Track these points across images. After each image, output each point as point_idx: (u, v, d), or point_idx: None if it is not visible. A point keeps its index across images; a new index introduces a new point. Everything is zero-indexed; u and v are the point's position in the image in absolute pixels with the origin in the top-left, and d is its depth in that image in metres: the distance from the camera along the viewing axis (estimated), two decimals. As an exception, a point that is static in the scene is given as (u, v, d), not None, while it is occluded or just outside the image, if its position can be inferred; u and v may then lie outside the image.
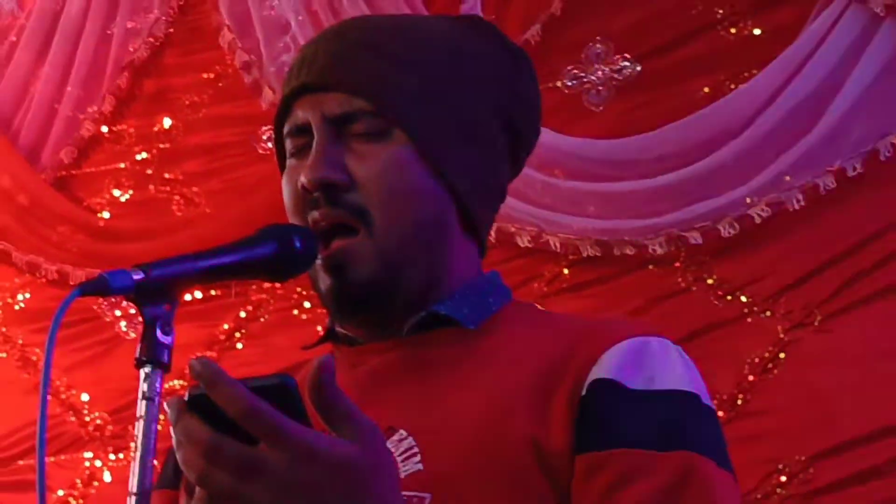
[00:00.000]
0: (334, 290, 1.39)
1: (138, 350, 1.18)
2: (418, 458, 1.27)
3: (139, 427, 1.14)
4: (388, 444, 1.28)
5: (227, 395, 1.03)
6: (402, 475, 1.26)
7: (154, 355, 1.18)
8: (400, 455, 1.28)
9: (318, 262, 1.39)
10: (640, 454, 1.26)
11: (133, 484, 1.13)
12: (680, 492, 1.24)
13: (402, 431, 1.31)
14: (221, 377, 1.04)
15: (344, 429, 1.06)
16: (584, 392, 1.30)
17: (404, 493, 1.21)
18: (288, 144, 1.45)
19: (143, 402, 1.15)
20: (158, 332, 1.19)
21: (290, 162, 1.45)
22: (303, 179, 1.38)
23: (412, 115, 1.40)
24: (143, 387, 1.17)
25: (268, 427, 1.03)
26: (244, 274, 1.35)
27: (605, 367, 1.31)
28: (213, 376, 1.04)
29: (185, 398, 1.06)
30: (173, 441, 1.06)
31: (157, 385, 1.17)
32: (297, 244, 1.34)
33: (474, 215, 1.46)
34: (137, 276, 1.19)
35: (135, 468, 1.13)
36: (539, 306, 1.56)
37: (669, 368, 1.34)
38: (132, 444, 1.09)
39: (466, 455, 1.26)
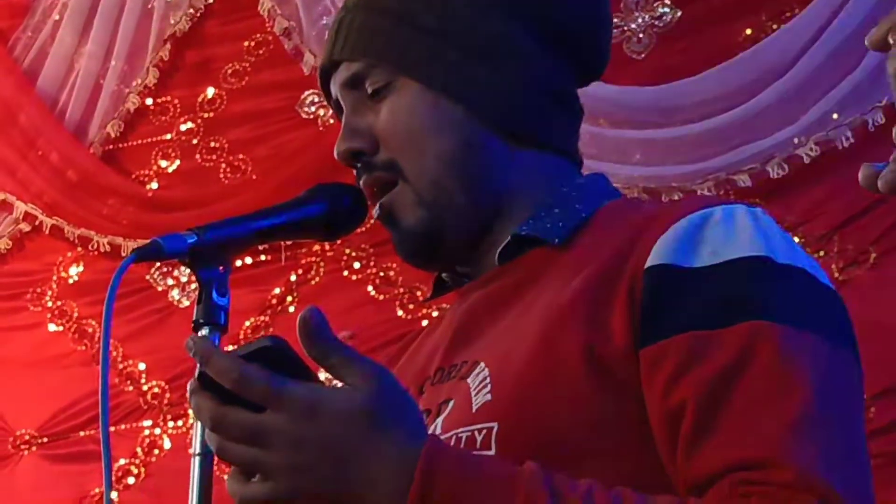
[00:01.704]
0: (396, 242, 1.41)
1: (195, 312, 1.19)
2: (489, 388, 1.25)
3: (198, 388, 1.15)
4: (469, 379, 1.28)
5: (218, 368, 1.05)
6: (475, 408, 1.24)
7: (211, 317, 1.19)
8: (476, 388, 1.26)
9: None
10: (697, 336, 1.16)
11: (196, 445, 1.14)
12: (743, 370, 1.13)
13: (482, 364, 1.29)
14: (213, 351, 1.06)
15: (347, 376, 1.07)
16: (642, 286, 1.20)
17: (478, 425, 1.22)
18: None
19: (203, 364, 1.16)
20: (214, 294, 1.20)
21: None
22: (335, 155, 1.42)
23: (407, 57, 1.40)
24: (201, 348, 1.17)
25: (262, 391, 1.04)
26: (296, 234, 1.36)
27: (659, 253, 1.21)
28: (204, 352, 1.06)
29: (196, 375, 1.08)
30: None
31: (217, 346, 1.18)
32: (346, 202, 1.34)
33: (519, 127, 1.41)
34: (191, 240, 1.20)
35: (197, 429, 1.15)
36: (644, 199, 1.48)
37: (736, 235, 1.22)
38: (191, 411, 1.10)
39: (524, 378, 1.22)
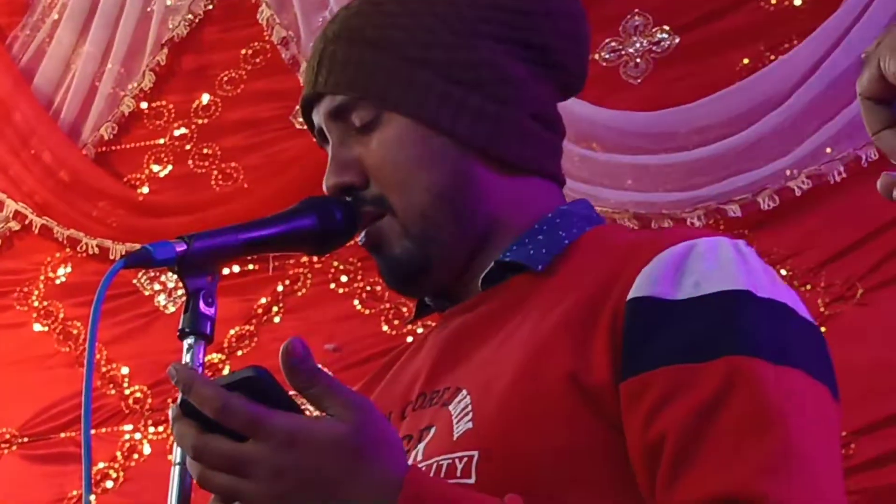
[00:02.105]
0: (382, 270, 1.41)
1: (182, 321, 1.19)
2: (471, 416, 1.25)
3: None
4: (451, 406, 1.28)
5: (201, 397, 1.05)
6: (456, 436, 1.24)
7: (197, 327, 1.19)
8: (457, 416, 1.26)
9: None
10: (678, 369, 1.15)
11: (177, 454, 1.14)
12: (723, 404, 1.12)
13: (464, 391, 1.29)
14: (195, 379, 1.06)
15: (329, 406, 1.07)
16: (624, 318, 1.20)
17: (459, 453, 1.22)
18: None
19: (186, 373, 1.16)
20: (201, 304, 1.20)
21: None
22: (323, 188, 1.41)
23: (392, 91, 1.39)
24: (186, 358, 1.18)
25: (244, 420, 1.04)
26: (285, 246, 1.36)
27: (641, 285, 1.21)
28: (187, 380, 1.06)
29: (178, 403, 1.08)
30: None
31: (200, 356, 1.18)
32: (338, 216, 1.34)
33: (507, 154, 1.41)
34: (180, 248, 1.21)
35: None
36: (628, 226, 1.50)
37: (718, 268, 1.21)
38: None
39: (506, 406, 1.22)
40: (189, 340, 1.18)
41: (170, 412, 1.08)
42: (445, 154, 1.39)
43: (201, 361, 1.18)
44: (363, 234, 1.39)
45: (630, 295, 1.21)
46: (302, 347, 1.06)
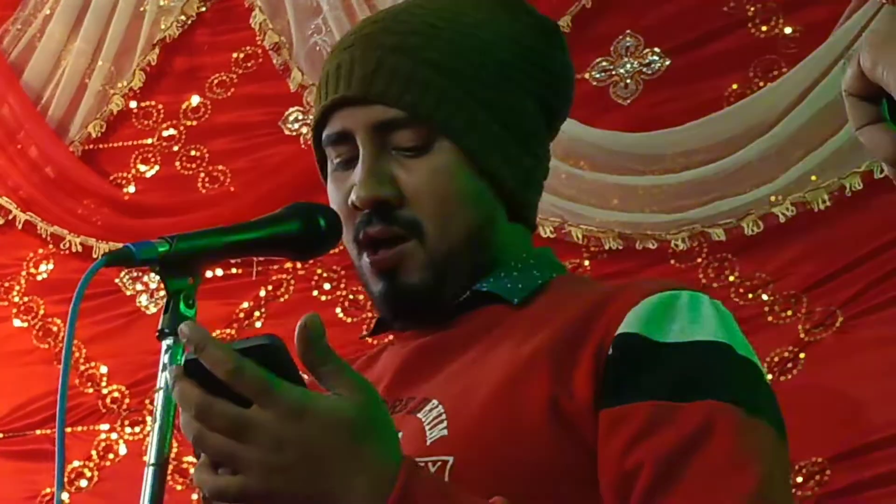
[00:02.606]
0: (386, 293, 1.41)
1: (161, 321, 1.19)
2: (445, 424, 1.28)
3: (159, 398, 1.15)
4: (420, 414, 1.31)
5: (214, 357, 1.05)
6: (430, 441, 1.27)
7: (177, 328, 1.18)
8: (430, 423, 1.29)
9: (368, 265, 1.41)
10: (660, 406, 1.22)
11: (151, 455, 1.14)
12: (701, 443, 1.20)
13: (434, 401, 1.32)
14: (209, 340, 1.06)
15: (336, 386, 1.08)
16: (609, 350, 1.27)
17: (433, 457, 1.25)
18: (330, 153, 1.46)
19: (164, 373, 1.16)
20: (182, 305, 1.20)
21: (334, 171, 1.46)
22: (353, 197, 1.39)
23: (454, 121, 1.41)
24: (165, 358, 1.18)
25: (255, 386, 1.05)
26: (268, 251, 1.36)
27: (630, 323, 1.28)
28: (201, 339, 1.06)
29: (183, 362, 1.08)
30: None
31: (179, 357, 1.18)
32: (323, 224, 1.34)
33: (523, 204, 1.47)
34: (162, 248, 1.20)
35: (153, 439, 1.14)
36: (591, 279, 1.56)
37: (702, 320, 1.29)
38: (149, 418, 1.11)
39: (486, 417, 1.26)
40: (168, 341, 1.18)
41: (168, 372, 1.08)
42: (484, 195, 1.43)
43: (178, 363, 1.18)
44: (375, 254, 1.39)
45: (620, 330, 1.28)
46: (319, 324, 1.07)
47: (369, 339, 1.60)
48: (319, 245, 1.36)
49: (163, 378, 1.16)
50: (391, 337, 1.55)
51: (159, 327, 1.19)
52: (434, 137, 1.40)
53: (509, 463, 1.24)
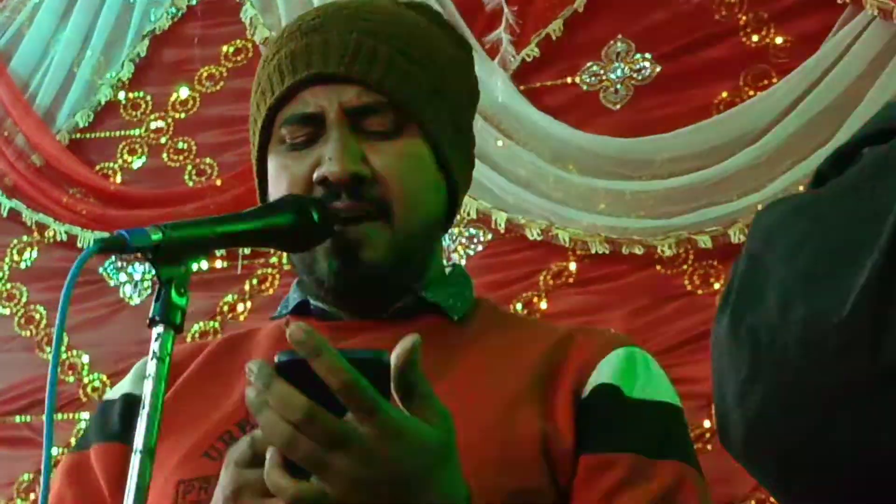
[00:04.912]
0: (342, 269, 1.40)
1: (152, 309, 1.18)
2: None
3: (147, 386, 1.14)
4: None
5: (330, 366, 1.03)
6: None
7: (168, 315, 1.18)
8: None
9: (326, 244, 1.39)
10: (641, 460, 1.34)
11: (138, 441, 1.13)
12: (673, 497, 1.33)
13: None
14: (325, 347, 1.04)
15: (425, 411, 1.08)
16: (584, 395, 1.37)
17: None
18: (291, 131, 1.43)
19: (154, 361, 1.15)
20: (173, 293, 1.19)
21: (288, 151, 1.44)
22: (325, 171, 1.38)
23: (426, 113, 1.43)
24: (155, 346, 1.16)
25: (363, 402, 1.04)
26: (261, 241, 1.36)
27: (605, 373, 1.39)
28: (317, 345, 1.04)
29: (275, 363, 1.06)
30: (252, 403, 1.06)
31: (169, 346, 1.17)
32: (316, 216, 1.34)
33: (458, 206, 1.52)
34: (156, 236, 1.19)
35: (141, 426, 1.13)
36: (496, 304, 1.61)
37: (657, 379, 1.43)
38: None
39: (479, 448, 1.25)
40: (158, 329, 1.17)
41: (255, 368, 1.06)
42: (441, 190, 1.47)
43: (170, 351, 1.17)
44: (346, 232, 1.38)
45: (595, 380, 1.38)
46: (418, 349, 1.07)
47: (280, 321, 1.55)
48: (311, 238, 1.36)
49: (152, 366, 1.15)
50: (286, 321, 1.54)
51: (150, 314, 1.18)
52: (404, 124, 1.42)
53: (506, 492, 1.28)
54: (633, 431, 1.37)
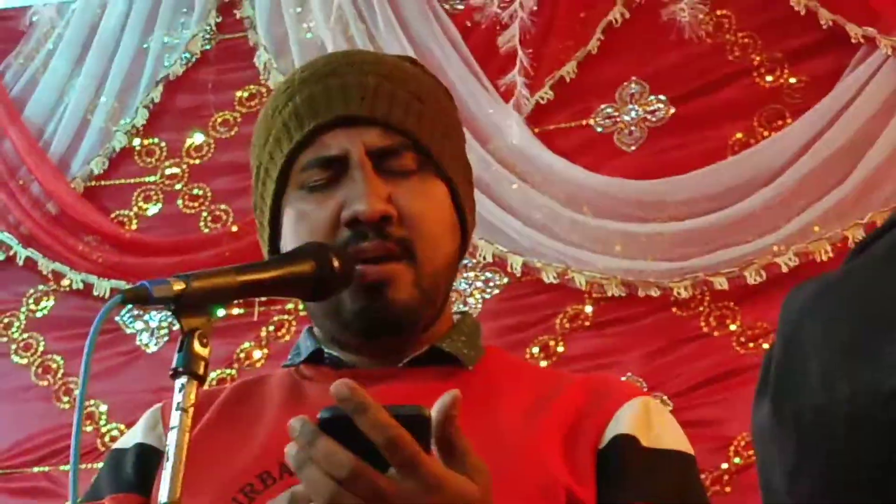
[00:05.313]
0: (369, 309, 1.39)
1: (175, 360, 1.18)
2: None
3: (172, 437, 1.14)
4: None
5: (374, 422, 1.04)
6: None
7: (191, 366, 1.17)
8: None
9: (351, 286, 1.38)
10: None
11: (163, 493, 1.12)
12: None
13: None
14: (371, 403, 1.04)
15: (461, 465, 1.08)
16: (602, 445, 1.39)
17: None
18: (312, 175, 1.44)
19: (178, 412, 1.15)
20: (196, 344, 1.18)
21: (308, 194, 1.44)
22: (354, 211, 1.38)
23: (444, 154, 1.46)
24: (178, 397, 1.16)
25: (406, 458, 1.04)
26: (282, 290, 1.35)
27: (623, 424, 1.40)
28: (362, 402, 1.04)
29: (319, 419, 1.06)
30: (294, 459, 1.06)
31: (192, 397, 1.17)
32: (336, 263, 1.33)
33: (468, 246, 1.53)
34: (178, 287, 1.19)
35: (166, 477, 1.12)
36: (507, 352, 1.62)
37: (670, 429, 1.46)
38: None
39: (512, 501, 1.24)
40: (182, 380, 1.17)
41: (300, 426, 1.06)
42: (457, 231, 1.48)
43: (193, 402, 1.17)
44: (371, 273, 1.38)
45: (612, 430, 1.40)
46: (458, 404, 1.08)
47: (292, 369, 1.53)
48: (332, 286, 1.35)
49: (176, 417, 1.14)
50: (298, 368, 1.52)
51: (173, 365, 1.18)
52: (423, 165, 1.43)
53: None
54: (653, 481, 1.38)
